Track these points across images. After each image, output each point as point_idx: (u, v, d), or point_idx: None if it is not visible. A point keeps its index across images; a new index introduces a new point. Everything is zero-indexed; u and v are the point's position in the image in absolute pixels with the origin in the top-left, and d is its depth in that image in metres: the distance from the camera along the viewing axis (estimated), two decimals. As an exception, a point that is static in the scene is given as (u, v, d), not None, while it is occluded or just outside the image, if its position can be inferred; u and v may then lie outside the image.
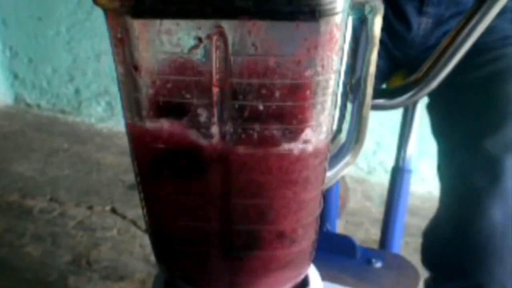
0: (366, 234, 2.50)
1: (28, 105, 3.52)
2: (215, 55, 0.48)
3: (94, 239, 2.33)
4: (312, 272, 0.67)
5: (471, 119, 1.15)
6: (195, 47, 0.48)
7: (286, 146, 0.51)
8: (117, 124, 3.34)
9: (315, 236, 0.61)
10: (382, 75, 1.35)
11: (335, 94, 0.52)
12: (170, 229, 0.57)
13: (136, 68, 0.50)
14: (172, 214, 0.56)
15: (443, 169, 1.22)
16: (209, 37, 0.47)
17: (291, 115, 0.50)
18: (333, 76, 0.50)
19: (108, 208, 2.55)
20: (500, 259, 1.06)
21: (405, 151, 1.44)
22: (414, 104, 1.38)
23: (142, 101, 0.51)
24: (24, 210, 2.49)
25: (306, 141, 0.51)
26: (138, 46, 0.49)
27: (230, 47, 0.47)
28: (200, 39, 0.47)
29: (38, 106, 3.51)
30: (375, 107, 0.77)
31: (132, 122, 0.54)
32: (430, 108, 1.35)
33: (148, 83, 0.50)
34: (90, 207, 2.54)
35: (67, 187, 2.69)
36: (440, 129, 1.29)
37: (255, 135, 0.50)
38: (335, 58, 0.49)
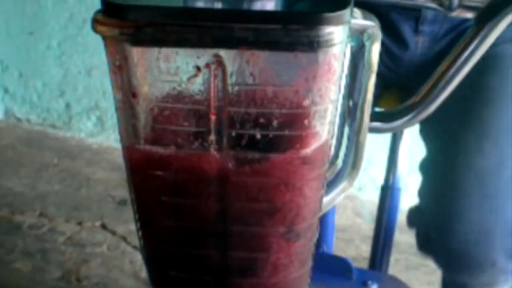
0: (357, 250, 2.50)
1: (18, 119, 3.50)
2: (213, 84, 0.48)
3: (83, 255, 2.31)
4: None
5: (456, 126, 1.20)
6: (194, 76, 0.48)
7: (283, 172, 0.51)
8: (108, 139, 3.32)
9: (311, 264, 0.61)
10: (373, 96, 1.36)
11: (332, 123, 0.52)
12: (167, 255, 0.57)
13: (134, 95, 0.50)
14: (169, 240, 0.56)
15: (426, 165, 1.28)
16: (207, 66, 0.47)
17: (288, 143, 0.50)
18: (330, 106, 0.50)
19: (98, 223, 2.53)
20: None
21: (394, 169, 1.44)
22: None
23: (139, 127, 0.51)
24: (13, 226, 2.47)
25: (303, 169, 0.51)
26: (136, 73, 0.49)
27: (228, 77, 0.48)
28: (198, 68, 0.48)
29: (28, 120, 3.49)
30: (372, 130, 0.77)
31: (129, 146, 0.54)
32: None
33: (145, 110, 0.50)
34: (80, 223, 2.52)
35: (56, 202, 2.67)
36: (427, 131, 1.32)
37: (253, 162, 0.50)
38: (333, 88, 0.49)
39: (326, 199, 0.64)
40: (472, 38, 0.82)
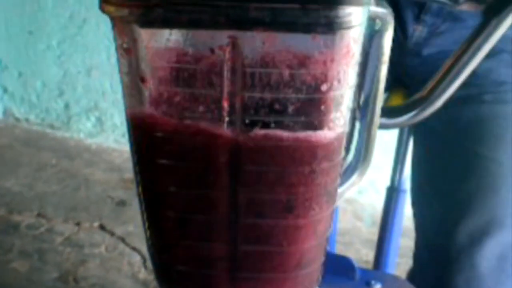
0: (357, 254, 2.48)
1: (17, 119, 3.49)
2: (227, 68, 0.46)
3: (81, 256, 2.29)
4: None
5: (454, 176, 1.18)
6: (207, 58, 0.46)
7: (298, 159, 0.49)
8: (107, 140, 3.31)
9: (323, 259, 0.58)
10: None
11: (349, 110, 0.50)
12: (174, 247, 0.55)
13: (142, 79, 0.47)
14: (177, 231, 0.53)
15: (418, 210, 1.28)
16: (221, 48, 0.45)
17: (305, 129, 0.48)
18: (348, 91, 0.48)
19: (96, 224, 2.51)
20: None
21: (400, 171, 1.43)
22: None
23: (148, 113, 0.49)
24: (11, 226, 2.45)
25: (319, 156, 0.49)
26: (145, 56, 0.47)
27: (243, 59, 0.45)
28: (212, 51, 0.45)
29: (27, 120, 3.47)
30: (379, 126, 0.75)
31: (137, 133, 0.52)
32: (416, 136, 1.34)
33: (155, 95, 0.48)
34: (78, 223, 2.51)
35: (55, 202, 2.66)
36: (419, 162, 1.30)
37: (267, 147, 0.48)
38: (351, 73, 0.47)
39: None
40: (479, 31, 0.81)
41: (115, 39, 0.49)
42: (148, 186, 0.54)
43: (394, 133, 1.41)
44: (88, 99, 3.31)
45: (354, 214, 2.83)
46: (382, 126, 0.91)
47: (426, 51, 1.27)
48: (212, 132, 0.47)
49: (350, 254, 2.43)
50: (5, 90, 3.46)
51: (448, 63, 0.85)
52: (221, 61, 0.46)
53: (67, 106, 3.36)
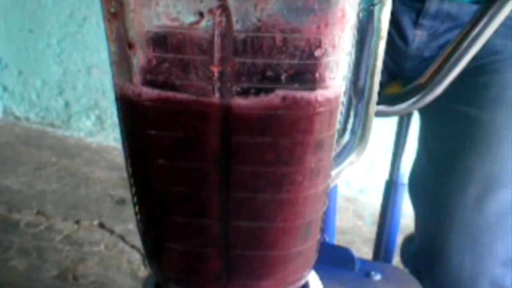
0: (358, 253, 2.45)
1: (17, 117, 3.48)
2: (217, 32, 0.44)
3: (81, 254, 2.29)
4: (313, 279, 0.64)
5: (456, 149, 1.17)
6: (196, 22, 0.44)
7: (291, 127, 0.47)
8: (107, 138, 3.30)
9: (318, 236, 0.57)
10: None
11: (345, 78, 0.49)
12: (163, 224, 0.53)
13: (130, 45, 0.46)
14: (166, 204, 0.52)
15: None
16: (211, 11, 0.43)
17: (298, 97, 0.46)
18: (344, 58, 0.46)
19: (95, 222, 2.51)
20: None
21: (399, 165, 1.42)
22: (409, 116, 1.36)
23: (136, 80, 0.47)
24: (10, 224, 2.45)
25: (313, 126, 0.48)
26: (133, 21, 0.45)
27: (233, 24, 0.44)
28: (201, 14, 0.44)
29: (27, 119, 3.46)
30: (378, 114, 0.74)
31: (125, 101, 0.50)
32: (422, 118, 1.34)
33: (142, 62, 0.46)
34: (77, 222, 2.50)
35: (54, 201, 2.65)
36: (425, 141, 1.30)
37: (259, 116, 0.46)
38: (347, 38, 0.46)
39: (334, 172, 0.60)
40: (480, 16, 0.80)
41: (101, 4, 0.47)
42: (136, 160, 0.52)
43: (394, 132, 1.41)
44: (88, 98, 3.30)
45: (355, 213, 2.83)
46: (382, 114, 0.90)
47: (427, 53, 1.27)
48: (203, 101, 0.46)
49: (351, 252, 2.43)
50: (5, 89, 3.45)
51: (447, 50, 0.84)
52: (211, 26, 0.44)
53: (67, 104, 3.36)
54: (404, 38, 1.26)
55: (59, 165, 2.99)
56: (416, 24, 1.23)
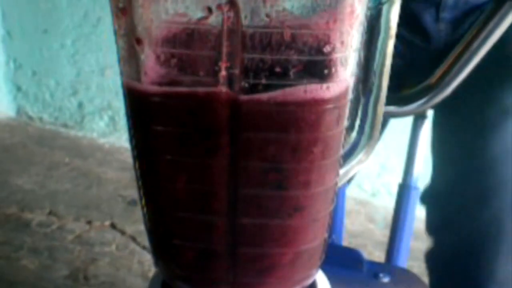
0: (370, 256, 2.45)
1: (30, 118, 3.50)
2: (225, 28, 0.44)
3: (92, 254, 2.29)
4: (321, 279, 0.63)
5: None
6: (204, 18, 0.44)
7: (299, 126, 0.47)
8: (120, 139, 3.31)
9: (326, 235, 0.56)
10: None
11: (353, 76, 0.48)
12: (171, 221, 0.53)
13: (138, 41, 0.46)
14: (173, 201, 0.52)
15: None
16: (219, 7, 0.43)
17: (306, 93, 0.46)
18: (352, 55, 0.46)
19: (107, 223, 2.52)
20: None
21: (412, 168, 1.41)
22: (423, 118, 1.35)
23: (144, 76, 0.47)
24: (22, 223, 2.46)
25: (320, 124, 0.47)
26: (141, 17, 0.45)
27: (242, 19, 0.44)
28: (209, 10, 0.44)
29: (40, 119, 3.48)
30: (387, 114, 0.73)
31: (133, 96, 0.50)
32: (434, 123, 1.33)
33: (150, 58, 0.46)
34: (89, 222, 2.51)
35: (66, 201, 2.66)
36: (438, 147, 1.31)
37: (267, 114, 0.46)
38: (356, 35, 0.45)
39: (342, 171, 0.60)
40: (490, 16, 0.79)
41: (110, 0, 0.47)
42: (144, 156, 0.52)
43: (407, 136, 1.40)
44: (101, 98, 3.31)
45: (367, 216, 2.82)
46: (391, 115, 0.89)
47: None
48: (211, 97, 0.46)
49: (363, 256, 2.42)
50: (19, 89, 3.47)
51: (458, 49, 0.84)
52: (219, 21, 0.44)
53: (80, 105, 3.37)
54: (426, 37, 1.24)
55: (71, 165, 3.01)
56: (437, 19, 1.22)
